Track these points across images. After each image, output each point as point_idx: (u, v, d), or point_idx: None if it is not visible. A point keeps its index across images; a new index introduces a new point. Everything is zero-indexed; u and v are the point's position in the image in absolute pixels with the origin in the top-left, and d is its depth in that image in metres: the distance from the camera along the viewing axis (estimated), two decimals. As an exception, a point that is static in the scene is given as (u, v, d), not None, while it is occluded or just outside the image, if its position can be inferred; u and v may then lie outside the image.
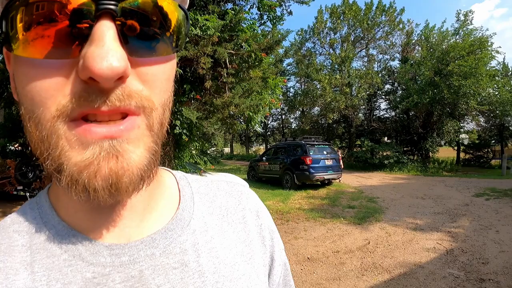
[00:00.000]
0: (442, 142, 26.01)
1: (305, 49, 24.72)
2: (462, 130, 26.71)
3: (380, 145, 22.97)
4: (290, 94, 25.06)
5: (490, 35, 22.12)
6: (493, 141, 28.47)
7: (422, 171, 20.21)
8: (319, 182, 12.70)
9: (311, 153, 12.30)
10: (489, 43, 21.50)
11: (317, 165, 12.21)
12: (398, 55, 25.56)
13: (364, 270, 4.74)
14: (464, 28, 22.38)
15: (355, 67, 24.46)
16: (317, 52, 24.90)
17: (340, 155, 14.40)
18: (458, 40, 21.96)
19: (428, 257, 5.23)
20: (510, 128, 28.50)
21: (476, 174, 19.16)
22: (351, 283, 4.38)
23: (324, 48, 24.95)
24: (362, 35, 24.38)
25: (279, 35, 8.30)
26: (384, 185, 13.99)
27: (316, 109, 24.63)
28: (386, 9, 23.92)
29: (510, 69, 27.19)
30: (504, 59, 29.71)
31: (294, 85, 25.85)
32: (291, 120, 26.55)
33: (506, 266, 4.83)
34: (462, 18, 22.48)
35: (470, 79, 19.91)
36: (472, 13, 22.82)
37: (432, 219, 7.61)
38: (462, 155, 28.44)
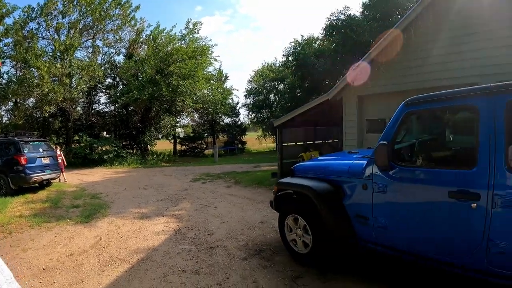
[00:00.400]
0: (160, 136, 27.88)
1: (28, 29, 20.22)
2: (178, 124, 29.81)
3: (99, 140, 22.17)
4: (3, 81, 19.77)
5: (212, 45, 25.90)
6: (206, 134, 33.46)
7: (142, 163, 20.96)
8: (37, 184, 10.76)
9: (25, 152, 10.19)
10: (210, 52, 24.92)
11: (33, 165, 10.30)
12: (124, 50, 25.25)
13: (103, 266, 4.45)
14: (191, 36, 24.60)
15: (78, 57, 22.26)
16: (40, 35, 20.91)
17: (59, 152, 12.69)
18: (183, 45, 23.98)
19: (160, 239, 5.45)
20: (220, 123, 34.39)
21: (192, 162, 21.69)
22: (95, 282, 4.00)
23: (49, 32, 21.30)
24: (91, 25, 22.43)
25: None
26: (106, 180, 13.58)
27: (32, 101, 20.66)
28: (122, 3, 23.07)
29: (224, 75, 32.54)
30: (220, 66, 35.90)
31: (8, 71, 20.59)
32: (2, 113, 21.05)
33: (229, 233, 5.67)
34: (191, 26, 24.58)
35: (188, 80, 22.32)
36: (201, 24, 26.10)
37: (156, 206, 7.97)
38: (178, 146, 31.76)
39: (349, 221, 3.77)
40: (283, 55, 30.34)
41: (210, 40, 39.68)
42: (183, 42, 24.45)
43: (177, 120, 28.61)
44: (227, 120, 35.57)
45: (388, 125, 3.45)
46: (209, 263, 4.41)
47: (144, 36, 25.32)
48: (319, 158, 5.28)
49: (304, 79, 25.88)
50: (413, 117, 3.69)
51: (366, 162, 3.65)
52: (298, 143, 13.31)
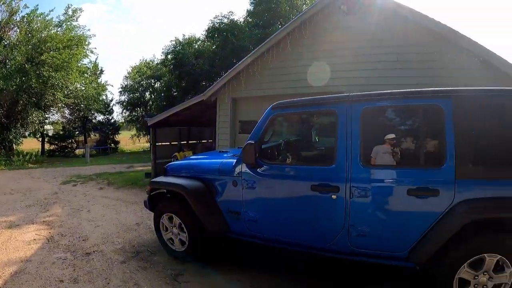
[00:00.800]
0: (27, 133, 24.60)
1: None
2: (47, 121, 26.50)
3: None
4: None
5: (90, 36, 23.51)
6: (77, 132, 30.26)
7: (7, 165, 17.93)
8: None
9: None
10: (87, 43, 22.71)
11: None
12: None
13: (-28, 285, 3.80)
14: (69, 23, 22.21)
15: None
16: None
17: None
18: (59, 32, 21.46)
19: (32, 249, 4.93)
20: (93, 121, 31.46)
21: (62, 163, 19.44)
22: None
23: None
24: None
25: None
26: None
27: None
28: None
29: (99, 69, 29.93)
30: (96, 59, 32.64)
31: None
32: None
33: (105, 237, 5.42)
34: (70, 13, 22.24)
35: (60, 72, 20.13)
36: (81, 11, 23.28)
37: (25, 213, 7.11)
38: (47, 146, 28.23)
39: (222, 217, 3.99)
40: (163, 52, 29.53)
41: (89, 30, 36.36)
42: (59, 29, 22.07)
43: (46, 116, 25.50)
44: (100, 117, 33.04)
45: (256, 126, 3.77)
46: (87, 270, 4.18)
47: (18, 18, 21.71)
48: (191, 157, 5.40)
49: (182, 79, 25.69)
50: (279, 119, 4.12)
51: (235, 160, 3.91)
52: (172, 143, 13.26)
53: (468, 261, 2.84)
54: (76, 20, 22.90)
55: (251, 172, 3.71)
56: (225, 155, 4.66)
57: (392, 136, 3.18)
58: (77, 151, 28.88)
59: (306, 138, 4.86)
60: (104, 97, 31.06)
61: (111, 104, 33.92)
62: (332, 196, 3.24)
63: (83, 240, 5.28)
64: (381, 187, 3.15)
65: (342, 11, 7.69)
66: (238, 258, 4.48)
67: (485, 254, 2.80)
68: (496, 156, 2.94)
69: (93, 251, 4.78)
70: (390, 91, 3.35)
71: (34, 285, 3.80)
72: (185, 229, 4.19)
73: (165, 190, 4.56)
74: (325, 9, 7.84)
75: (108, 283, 3.82)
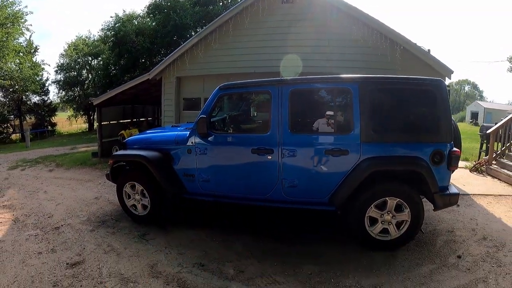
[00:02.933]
0: None
1: None
2: None
3: None
4: None
5: (27, 12, 21.98)
6: (12, 116, 28.08)
7: None
8: None
9: None
10: (23, 20, 21.13)
11: None
12: None
13: None
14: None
15: None
16: None
17: None
18: None
19: (1, 231, 5.02)
20: (28, 103, 29.32)
21: (1, 150, 18.36)
22: None
23: None
24: None
25: None
26: None
27: None
28: None
29: (34, 47, 27.73)
30: (30, 36, 29.91)
31: None
32: None
33: (68, 212, 5.75)
34: None
35: None
36: None
37: None
38: None
39: (179, 180, 4.70)
40: (102, 29, 28.17)
41: (26, 6, 33.18)
42: None
43: None
44: (35, 99, 30.79)
45: (206, 103, 4.52)
46: (61, 241, 4.54)
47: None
48: (148, 131, 5.96)
49: (121, 57, 24.97)
50: (226, 98, 4.98)
51: (189, 132, 4.62)
52: (118, 122, 13.44)
53: (374, 203, 3.91)
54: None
55: (202, 141, 4.48)
56: (178, 128, 5.31)
57: (330, 113, 4.21)
58: (13, 136, 27.04)
59: (247, 112, 5.81)
60: (40, 77, 29.16)
61: (46, 84, 31.91)
62: (268, 156, 4.15)
63: (49, 217, 5.52)
64: (305, 148, 4.10)
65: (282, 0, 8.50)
66: (193, 218, 5.29)
67: (387, 198, 3.89)
68: (390, 125, 3.99)
69: (61, 225, 5.10)
70: (312, 76, 4.40)
71: (15, 259, 4.04)
72: (147, 194, 4.82)
73: (124, 163, 5.15)
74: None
75: (84, 248, 4.28)
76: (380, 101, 3.99)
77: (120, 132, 12.33)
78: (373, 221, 3.98)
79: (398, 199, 3.88)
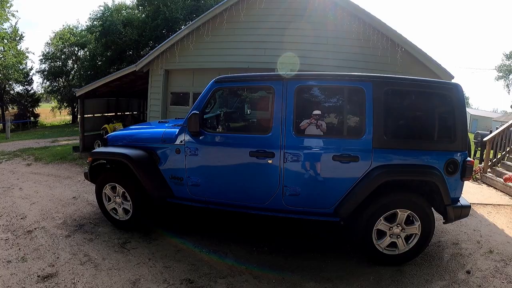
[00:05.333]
0: None
1: None
2: None
3: None
4: None
5: None
6: None
7: None
8: None
9: None
10: (9, 4, 20.14)
11: None
12: None
13: None
14: None
15: None
16: None
17: None
18: None
19: None
20: (10, 92, 28.16)
21: None
22: None
23: None
24: None
25: None
26: None
27: None
28: None
29: (19, 35, 26.54)
30: (16, 23, 28.68)
31: None
32: None
33: (43, 213, 5.24)
34: None
35: None
36: None
37: None
38: None
39: (166, 183, 4.22)
40: (90, 18, 27.27)
41: None
42: None
43: None
44: (18, 88, 29.66)
45: (199, 97, 4.02)
46: (33, 247, 4.06)
47: None
48: (132, 127, 5.43)
49: (108, 48, 24.24)
50: (221, 92, 4.46)
51: (178, 129, 4.13)
52: (101, 115, 12.88)
53: (384, 215, 3.54)
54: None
55: (193, 140, 3.99)
56: (166, 125, 4.84)
57: (318, 112, 3.75)
58: (-6, 126, 25.98)
59: (246, 110, 5.30)
60: (23, 65, 28.08)
61: (30, 74, 30.75)
62: (268, 161, 3.69)
63: (21, 218, 5.04)
64: (311, 153, 3.66)
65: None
66: (180, 223, 4.79)
67: (398, 210, 3.52)
68: (404, 130, 3.66)
69: (35, 228, 4.63)
70: (321, 72, 3.92)
71: None
72: (128, 197, 4.32)
73: (105, 161, 4.62)
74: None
75: (57, 258, 3.82)
76: (395, 104, 3.64)
77: (103, 126, 11.81)
78: (381, 234, 3.63)
79: (409, 211, 3.54)
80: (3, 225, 4.80)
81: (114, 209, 4.54)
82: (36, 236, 4.39)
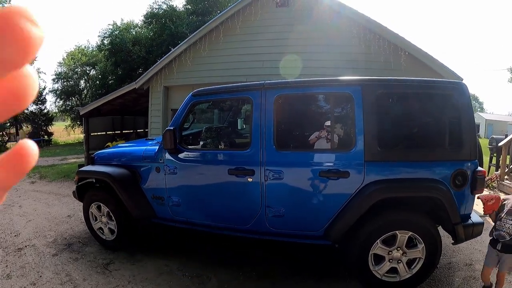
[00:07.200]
0: None
1: None
2: None
3: None
4: None
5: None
6: (8, 124, 27.57)
7: None
8: None
9: None
10: None
11: None
12: None
13: None
14: (1, 5, 20.15)
15: None
16: None
17: None
18: None
19: None
20: (25, 111, 28.79)
21: None
22: None
23: None
24: None
25: None
26: None
27: None
28: None
29: None
30: None
31: None
32: None
33: (36, 231, 5.30)
34: None
35: None
36: None
37: None
38: None
39: (148, 202, 3.98)
40: (99, 36, 27.81)
41: None
42: None
43: None
44: (32, 107, 30.38)
45: (177, 112, 3.77)
46: (20, 265, 4.10)
47: None
48: (119, 145, 5.32)
49: (118, 66, 24.52)
50: (200, 106, 4.19)
51: (158, 147, 3.89)
52: (106, 133, 12.90)
53: (381, 238, 3.07)
54: (9, 3, 21.00)
55: (172, 158, 3.72)
56: (150, 142, 4.63)
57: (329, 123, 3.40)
58: (8, 145, 26.52)
59: (225, 124, 5.00)
60: (36, 85, 28.76)
61: (44, 93, 31.42)
62: (248, 179, 3.34)
63: (15, 235, 5.14)
64: (294, 170, 3.29)
65: (275, 3, 7.81)
66: (166, 243, 4.59)
67: (397, 231, 3.05)
68: (401, 139, 3.24)
69: (25, 246, 4.68)
70: (302, 79, 3.54)
71: None
72: (113, 217, 4.13)
73: (93, 179, 4.45)
74: (258, 0, 7.91)
75: (40, 276, 3.81)
76: (389, 110, 3.25)
77: (106, 144, 11.74)
78: (379, 259, 3.17)
79: (411, 233, 3.07)
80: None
81: (101, 228, 4.37)
82: (25, 254, 4.45)
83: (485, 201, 3.18)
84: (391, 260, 3.15)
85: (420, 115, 3.28)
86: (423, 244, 3.10)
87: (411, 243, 3.15)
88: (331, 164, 3.17)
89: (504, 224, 3.09)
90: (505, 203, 3.20)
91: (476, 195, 3.16)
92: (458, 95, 3.10)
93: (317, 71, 7.33)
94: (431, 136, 3.23)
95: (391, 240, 3.12)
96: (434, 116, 3.24)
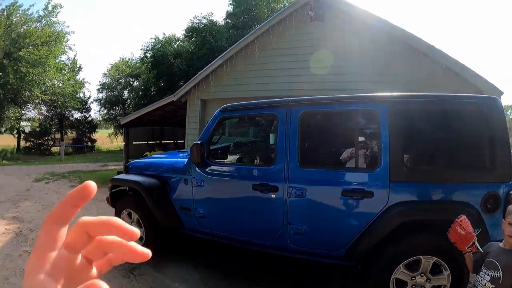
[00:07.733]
0: (3, 129, 24.47)
1: None
2: (23, 117, 26.00)
3: None
4: None
5: (69, 32, 23.44)
6: (54, 129, 29.43)
7: None
8: None
9: None
10: (66, 39, 22.47)
11: None
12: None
13: None
14: (48, 18, 21.92)
15: None
16: None
17: None
18: (38, 28, 21.06)
19: (1, 242, 5.12)
20: (70, 118, 30.69)
21: (37, 161, 18.94)
22: None
23: None
24: None
25: None
26: None
27: None
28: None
29: (78, 66, 29.08)
30: (75, 56, 31.88)
31: None
32: None
33: None
34: (50, 8, 21.90)
35: (38, 68, 19.79)
36: (61, 7, 22.98)
37: None
38: (23, 143, 27.24)
39: (176, 213, 4.10)
40: (141, 49, 29.12)
41: (68, 26, 35.51)
42: (38, 24, 21.57)
43: (23, 112, 24.89)
44: (77, 115, 32.03)
45: (206, 127, 3.91)
46: None
47: (-2, 11, 20.89)
48: (152, 156, 5.56)
49: (160, 78, 25.44)
50: (228, 122, 4.30)
51: (187, 160, 4.01)
52: (147, 142, 13.36)
53: (404, 262, 2.94)
54: (56, 16, 22.58)
55: (200, 171, 3.83)
56: (181, 154, 4.78)
57: (362, 139, 3.38)
58: (53, 149, 28.01)
59: (253, 140, 5.07)
60: (81, 94, 30.33)
61: (88, 102, 33.22)
62: (272, 195, 3.36)
63: None
64: (318, 188, 3.28)
65: (310, 18, 7.81)
66: (192, 253, 4.69)
67: (421, 256, 2.92)
68: (428, 159, 3.13)
69: None
70: (328, 96, 3.54)
71: (0, 275, 3.95)
72: (142, 224, 4.28)
73: (127, 188, 4.64)
74: (293, 15, 8.01)
75: None
76: (416, 127, 3.12)
77: (145, 154, 12.14)
78: (401, 284, 3.03)
79: (436, 258, 2.92)
80: (33, 239, 5.19)
81: (130, 234, 4.50)
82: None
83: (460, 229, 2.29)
84: (414, 286, 3.00)
85: (449, 133, 3.14)
86: (449, 271, 2.93)
87: (436, 269, 3.00)
88: (355, 183, 3.14)
89: (481, 281, 2.17)
90: (488, 251, 2.24)
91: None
92: (491, 111, 2.93)
93: (351, 85, 7.26)
94: (461, 155, 3.08)
95: (414, 265, 2.99)
96: (465, 134, 3.09)
